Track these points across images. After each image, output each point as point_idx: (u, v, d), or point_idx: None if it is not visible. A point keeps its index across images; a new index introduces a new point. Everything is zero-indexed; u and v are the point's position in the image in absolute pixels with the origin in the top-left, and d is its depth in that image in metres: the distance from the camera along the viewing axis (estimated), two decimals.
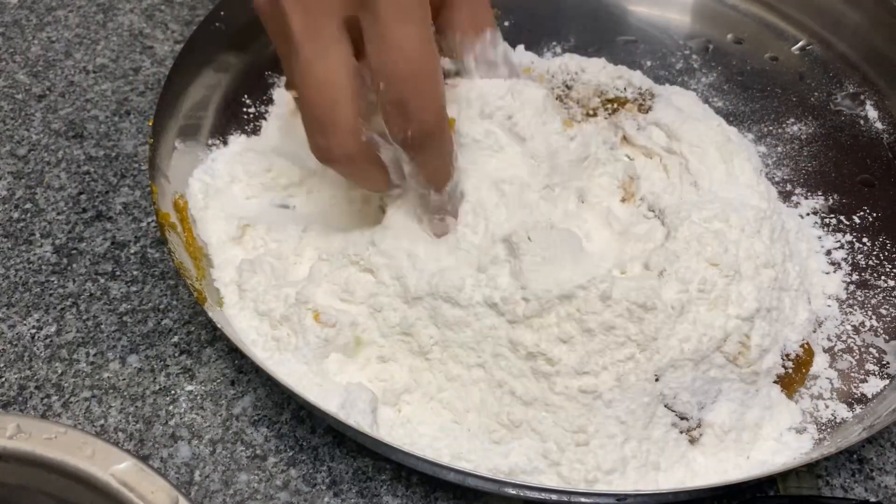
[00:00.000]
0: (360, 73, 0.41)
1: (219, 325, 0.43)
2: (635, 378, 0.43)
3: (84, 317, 0.51)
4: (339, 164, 0.43)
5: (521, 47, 0.62)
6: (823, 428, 0.46)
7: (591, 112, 0.55)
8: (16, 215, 0.56)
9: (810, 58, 0.66)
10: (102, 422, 0.47)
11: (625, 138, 0.54)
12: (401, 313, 0.45)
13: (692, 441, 0.44)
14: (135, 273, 0.53)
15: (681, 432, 0.44)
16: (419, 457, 0.40)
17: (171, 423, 0.47)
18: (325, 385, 0.45)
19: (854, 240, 0.55)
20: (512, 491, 0.41)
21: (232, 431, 0.46)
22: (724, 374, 0.45)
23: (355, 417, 0.43)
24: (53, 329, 0.50)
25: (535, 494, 0.41)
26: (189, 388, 0.48)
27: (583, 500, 0.41)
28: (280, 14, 0.40)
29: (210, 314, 0.44)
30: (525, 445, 0.43)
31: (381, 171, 0.44)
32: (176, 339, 0.50)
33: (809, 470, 0.46)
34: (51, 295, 0.52)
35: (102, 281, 0.53)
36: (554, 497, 0.41)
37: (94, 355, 0.49)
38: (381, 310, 0.46)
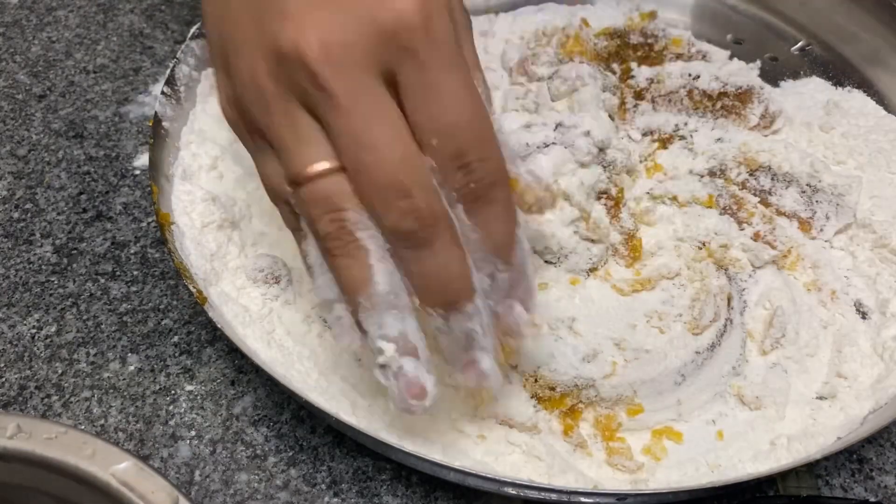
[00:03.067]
0: None
1: (218, 325, 0.43)
2: None
3: (84, 317, 0.51)
4: (431, 229, 0.35)
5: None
6: None
7: None
8: (16, 215, 0.56)
9: (810, 58, 0.66)
10: (103, 422, 0.47)
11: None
12: None
13: None
14: (135, 273, 0.53)
15: None
16: (419, 456, 0.40)
17: (172, 422, 0.47)
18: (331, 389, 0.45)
19: None
20: (512, 490, 0.41)
21: (232, 431, 0.46)
22: None
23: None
24: (53, 329, 0.50)
25: (535, 494, 0.41)
26: (189, 388, 0.48)
27: (583, 499, 0.41)
28: (300, 82, 0.34)
29: (210, 314, 0.44)
30: None
31: (460, 247, 0.37)
32: (176, 339, 0.50)
33: (809, 470, 0.46)
34: (51, 295, 0.52)
35: (102, 281, 0.53)
36: (553, 497, 0.41)
37: (95, 355, 0.49)
38: None
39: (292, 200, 0.37)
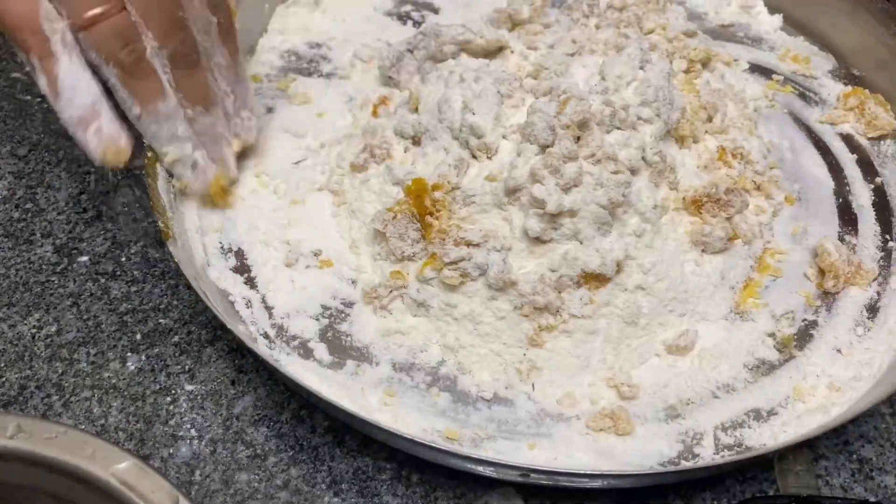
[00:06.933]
0: None
1: (177, 259, 0.44)
2: None
3: (84, 316, 0.51)
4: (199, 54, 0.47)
5: None
6: None
7: None
8: (16, 215, 0.56)
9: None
10: (103, 421, 0.47)
11: None
12: None
13: None
14: (135, 273, 0.53)
15: None
16: (422, 442, 0.41)
17: (172, 422, 0.47)
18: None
19: None
20: (525, 476, 0.41)
21: (232, 431, 0.47)
22: None
23: None
24: (54, 329, 0.50)
25: (509, 473, 0.41)
26: (189, 387, 0.48)
27: (563, 480, 0.41)
28: None
29: (171, 249, 0.44)
30: None
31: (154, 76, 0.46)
32: (176, 338, 0.50)
33: (809, 470, 0.46)
34: (51, 295, 0.52)
35: (103, 281, 0.53)
36: (543, 479, 0.41)
37: (95, 355, 0.49)
38: None
39: (79, 38, 0.44)
